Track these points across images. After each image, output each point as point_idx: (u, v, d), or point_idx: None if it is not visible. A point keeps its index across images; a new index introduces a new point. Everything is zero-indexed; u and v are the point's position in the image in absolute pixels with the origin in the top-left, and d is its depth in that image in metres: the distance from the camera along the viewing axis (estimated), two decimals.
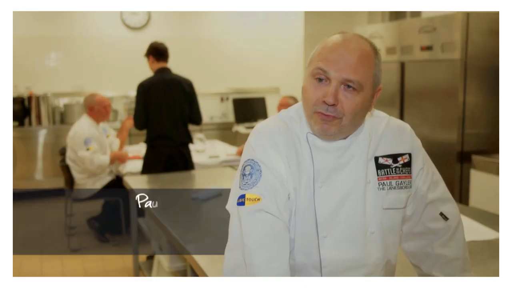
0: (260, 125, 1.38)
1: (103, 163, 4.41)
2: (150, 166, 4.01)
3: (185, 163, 4.08)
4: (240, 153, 4.64)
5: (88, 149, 4.35)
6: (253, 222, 1.25)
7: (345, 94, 1.25)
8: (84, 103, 4.61)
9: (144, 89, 3.99)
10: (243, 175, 1.31)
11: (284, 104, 4.72)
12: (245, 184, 1.29)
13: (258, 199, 1.26)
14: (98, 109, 4.53)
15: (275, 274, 1.21)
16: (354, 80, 1.24)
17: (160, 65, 4.06)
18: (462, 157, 3.83)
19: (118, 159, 4.50)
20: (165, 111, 4.00)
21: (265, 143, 1.32)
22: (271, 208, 1.26)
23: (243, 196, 1.27)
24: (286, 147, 1.32)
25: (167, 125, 4.01)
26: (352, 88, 1.25)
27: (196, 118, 4.15)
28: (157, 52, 4.06)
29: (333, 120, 1.26)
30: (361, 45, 1.27)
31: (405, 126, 1.43)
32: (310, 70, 1.30)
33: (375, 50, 1.30)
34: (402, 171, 1.37)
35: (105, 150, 4.54)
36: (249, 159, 1.32)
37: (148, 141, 4.07)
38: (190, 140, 4.16)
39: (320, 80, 1.26)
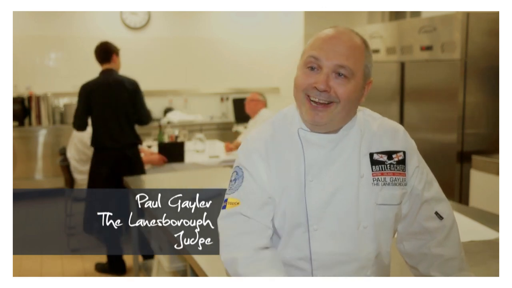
0: (251, 133, 1.45)
1: None
2: (95, 169, 3.91)
3: (131, 166, 3.89)
4: (228, 149, 4.69)
5: None
6: (227, 222, 1.36)
7: (337, 82, 1.29)
8: None
9: (86, 91, 3.86)
10: (230, 180, 1.41)
11: (254, 99, 4.78)
12: (229, 189, 1.39)
13: (237, 203, 1.35)
14: None
15: (243, 267, 1.28)
16: (345, 66, 1.27)
17: (104, 67, 3.95)
18: (462, 157, 3.83)
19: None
20: (108, 112, 3.86)
21: (251, 150, 1.39)
22: (246, 211, 1.34)
23: (226, 200, 1.38)
24: (271, 151, 1.37)
25: (111, 127, 3.87)
26: (343, 76, 1.28)
27: (140, 118, 3.99)
28: (97, 55, 3.96)
29: (326, 108, 1.30)
30: (353, 37, 1.32)
31: (399, 127, 1.45)
32: (302, 60, 1.34)
33: (365, 44, 1.34)
34: (396, 168, 1.38)
35: None
36: (236, 166, 1.42)
37: (94, 144, 3.94)
38: (138, 141, 4.01)
39: (312, 68, 1.31)
